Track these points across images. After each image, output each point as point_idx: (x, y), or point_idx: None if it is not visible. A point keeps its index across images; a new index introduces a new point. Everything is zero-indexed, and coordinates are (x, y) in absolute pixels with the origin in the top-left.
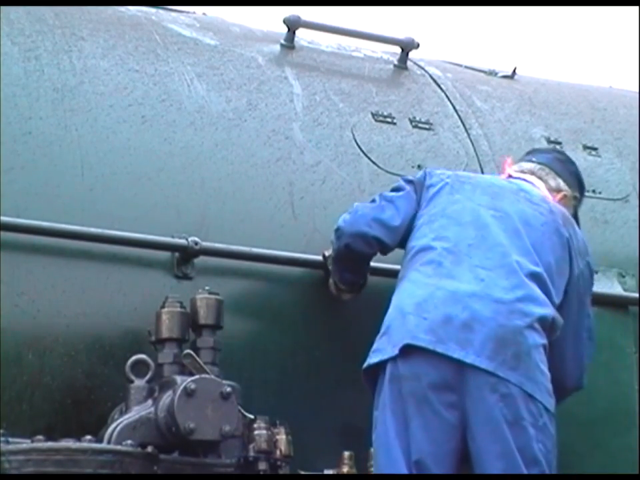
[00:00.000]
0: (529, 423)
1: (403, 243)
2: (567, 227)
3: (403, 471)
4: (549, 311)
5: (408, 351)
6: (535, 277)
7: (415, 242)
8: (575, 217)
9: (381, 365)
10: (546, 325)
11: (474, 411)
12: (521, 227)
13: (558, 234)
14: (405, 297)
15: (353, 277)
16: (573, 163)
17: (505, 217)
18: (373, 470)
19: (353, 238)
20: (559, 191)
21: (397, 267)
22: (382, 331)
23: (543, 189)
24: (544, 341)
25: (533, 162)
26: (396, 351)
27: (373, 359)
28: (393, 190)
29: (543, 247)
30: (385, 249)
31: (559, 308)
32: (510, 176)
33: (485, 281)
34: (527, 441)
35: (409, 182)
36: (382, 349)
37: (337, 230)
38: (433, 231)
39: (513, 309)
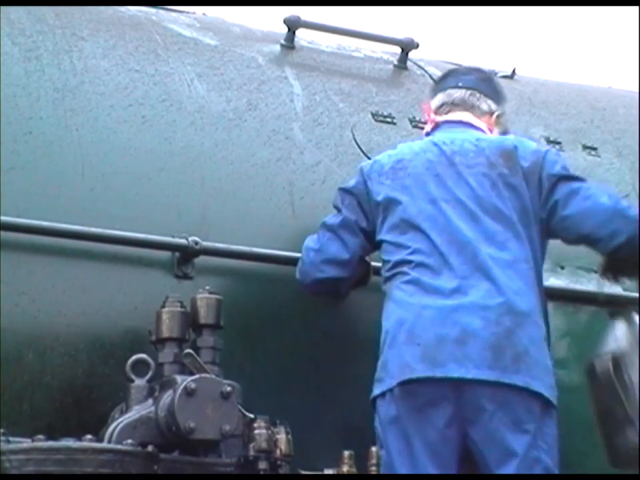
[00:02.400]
0: (530, 424)
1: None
2: (506, 160)
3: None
4: (531, 296)
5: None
6: (509, 263)
7: (389, 256)
8: (506, 132)
9: (381, 396)
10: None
11: (473, 421)
12: (474, 205)
13: (502, 177)
14: (394, 322)
15: (344, 290)
16: (492, 79)
17: (456, 203)
18: None
19: (313, 287)
20: (491, 113)
21: None
22: (380, 358)
23: (474, 120)
24: (542, 331)
25: (460, 87)
26: (394, 383)
27: (375, 390)
28: (335, 206)
29: (502, 206)
30: (345, 283)
31: (562, 197)
32: (436, 126)
33: (467, 292)
34: (528, 442)
35: (348, 193)
36: (381, 379)
37: (299, 281)
38: (403, 243)
39: (500, 311)
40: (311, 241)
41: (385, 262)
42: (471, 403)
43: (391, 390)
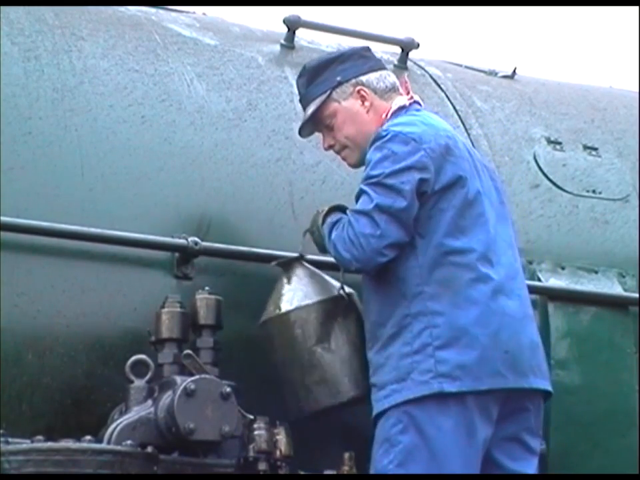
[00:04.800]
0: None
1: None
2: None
3: None
4: None
5: None
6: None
7: (446, 240)
8: None
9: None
10: None
11: (505, 418)
12: (499, 205)
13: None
14: (472, 321)
15: None
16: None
17: (492, 200)
18: None
19: (374, 270)
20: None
21: None
22: (448, 353)
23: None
24: None
25: (384, 69)
26: (481, 388)
27: (446, 386)
28: (392, 189)
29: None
30: None
31: None
32: (413, 99)
33: (521, 295)
34: (539, 447)
35: (410, 170)
36: (457, 378)
37: (355, 268)
38: (462, 231)
39: (535, 324)
40: (366, 227)
41: (437, 244)
42: (514, 403)
43: (471, 392)
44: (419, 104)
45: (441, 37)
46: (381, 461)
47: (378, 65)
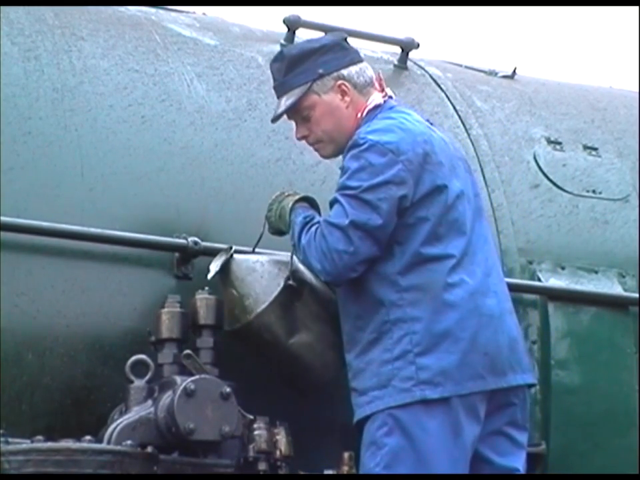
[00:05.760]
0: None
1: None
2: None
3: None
4: None
5: None
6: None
7: (423, 248)
8: None
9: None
10: None
11: (492, 413)
12: (476, 203)
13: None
14: (452, 326)
15: None
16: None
17: (469, 199)
18: None
19: (344, 284)
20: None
21: None
22: (429, 359)
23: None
24: None
25: (362, 61)
26: (463, 392)
27: (428, 393)
28: (369, 205)
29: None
30: None
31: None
32: (387, 96)
33: (497, 292)
34: (527, 440)
35: (386, 184)
36: (439, 384)
37: (326, 279)
38: (439, 238)
39: (515, 316)
40: (339, 243)
41: (414, 251)
42: (499, 400)
43: (452, 396)
44: (392, 97)
45: (441, 36)
46: (368, 464)
47: (357, 58)
